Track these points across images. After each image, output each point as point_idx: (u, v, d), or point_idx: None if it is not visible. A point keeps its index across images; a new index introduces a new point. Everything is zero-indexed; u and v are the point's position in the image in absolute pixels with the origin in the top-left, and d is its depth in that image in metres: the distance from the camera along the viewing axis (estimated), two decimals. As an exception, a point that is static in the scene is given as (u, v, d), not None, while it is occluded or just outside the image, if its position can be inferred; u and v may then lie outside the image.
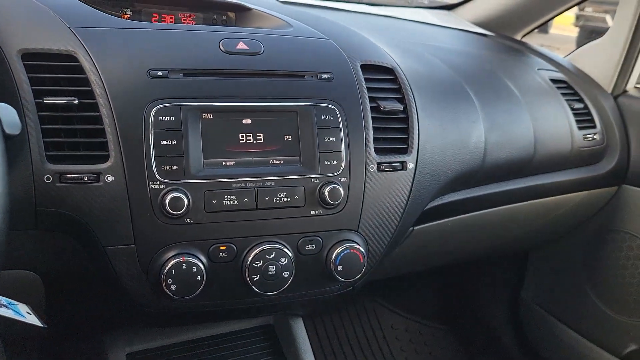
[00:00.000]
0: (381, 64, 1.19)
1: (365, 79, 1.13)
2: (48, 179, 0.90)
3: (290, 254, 1.03)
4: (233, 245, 1.00)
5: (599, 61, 1.82)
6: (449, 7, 2.11)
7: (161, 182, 0.94)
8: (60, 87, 0.94)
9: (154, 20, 1.23)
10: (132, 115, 0.94)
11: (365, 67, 1.16)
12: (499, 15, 1.95)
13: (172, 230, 0.96)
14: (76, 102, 0.93)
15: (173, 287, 0.96)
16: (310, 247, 1.05)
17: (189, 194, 0.95)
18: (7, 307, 0.89)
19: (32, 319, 0.91)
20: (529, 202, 1.54)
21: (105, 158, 0.93)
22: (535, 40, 2.03)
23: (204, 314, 1.11)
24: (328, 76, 1.09)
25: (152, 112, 0.95)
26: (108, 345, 1.33)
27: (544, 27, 2.03)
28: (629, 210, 1.72)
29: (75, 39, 0.97)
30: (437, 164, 1.22)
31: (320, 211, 1.04)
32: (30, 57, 0.94)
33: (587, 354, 1.87)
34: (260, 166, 1.01)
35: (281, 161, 1.02)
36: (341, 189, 1.04)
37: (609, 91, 1.79)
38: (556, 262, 1.96)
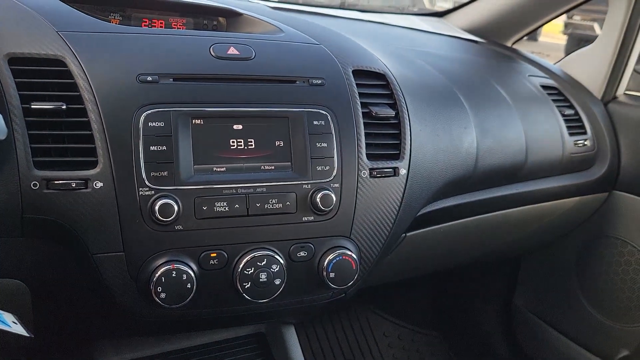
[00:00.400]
0: (373, 70, 1.18)
1: (357, 84, 1.13)
2: (35, 185, 0.89)
3: (281, 261, 1.02)
4: (224, 252, 0.99)
5: (589, 68, 1.83)
6: (440, 14, 2.13)
7: (151, 189, 0.93)
8: (48, 92, 0.93)
9: (144, 25, 1.21)
10: (121, 120, 0.93)
11: (357, 73, 1.15)
12: (489, 22, 1.96)
13: (162, 237, 0.95)
14: (64, 107, 0.91)
15: (163, 295, 0.94)
16: (302, 253, 1.04)
17: (179, 201, 0.94)
18: (-8, 317, 0.87)
19: (18, 329, 0.89)
20: (520, 208, 1.54)
21: (93, 164, 0.91)
22: (524, 48, 2.03)
23: (194, 322, 1.10)
24: (320, 81, 1.08)
25: (142, 118, 0.94)
26: (96, 355, 1.31)
27: (533, 35, 2.05)
28: (619, 216, 1.73)
29: (63, 44, 0.96)
30: (429, 170, 1.21)
31: (312, 217, 1.03)
32: (17, 62, 0.92)
33: (579, 360, 1.87)
34: (252, 172, 1.00)
35: (272, 167, 1.02)
36: (333, 195, 1.03)
37: (599, 97, 1.80)
38: (548, 268, 1.96)
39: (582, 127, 1.65)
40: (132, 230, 0.93)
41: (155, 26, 1.22)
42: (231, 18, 1.25)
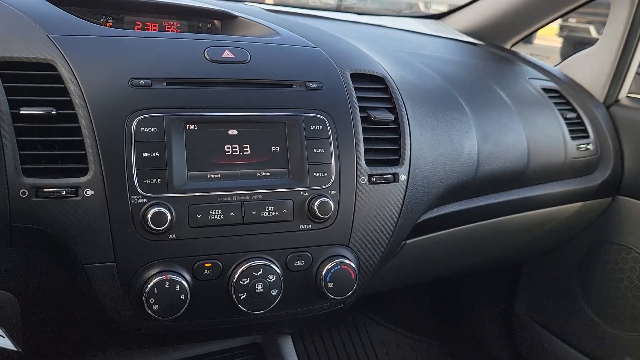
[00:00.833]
0: (371, 73, 1.16)
1: (355, 88, 1.10)
2: (24, 193, 0.86)
3: (278, 271, 0.99)
4: (219, 262, 0.97)
5: (590, 70, 1.81)
6: (437, 17, 2.11)
7: (143, 196, 0.91)
8: (38, 97, 0.90)
9: (137, 29, 1.19)
10: (113, 126, 0.91)
11: (355, 76, 1.13)
12: (488, 24, 1.94)
13: (155, 246, 0.93)
14: (54, 112, 0.89)
15: (155, 307, 0.92)
16: (299, 263, 1.02)
17: (172, 209, 0.92)
18: (-22, 330, 0.84)
19: (6, 343, 0.87)
20: (522, 214, 1.52)
21: (84, 171, 0.89)
22: (520, 50, 2.01)
23: (188, 334, 1.07)
24: (317, 85, 1.06)
25: (134, 123, 0.92)
26: (88, 367, 1.28)
27: (528, 38, 2.04)
28: (623, 222, 1.70)
29: (53, 47, 0.94)
30: (429, 176, 1.19)
31: (310, 225, 1.01)
32: (6, 66, 0.90)
33: (582, 369, 1.85)
34: (247, 179, 0.98)
35: (269, 174, 0.99)
36: (331, 202, 1.00)
37: (601, 100, 1.77)
38: (549, 274, 1.93)
39: (585, 130, 1.63)
40: (123, 240, 0.91)
41: (148, 29, 1.20)
42: (226, 21, 1.23)
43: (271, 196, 0.98)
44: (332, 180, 1.02)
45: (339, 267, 1.03)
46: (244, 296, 0.97)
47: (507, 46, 1.99)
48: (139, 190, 0.91)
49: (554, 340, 1.92)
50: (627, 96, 1.82)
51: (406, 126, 1.14)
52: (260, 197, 0.97)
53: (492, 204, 1.42)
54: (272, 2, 1.76)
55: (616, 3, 1.72)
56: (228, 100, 0.99)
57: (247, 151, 0.98)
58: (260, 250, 0.99)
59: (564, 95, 1.66)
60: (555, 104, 1.60)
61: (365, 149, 1.07)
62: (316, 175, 1.01)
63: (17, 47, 0.92)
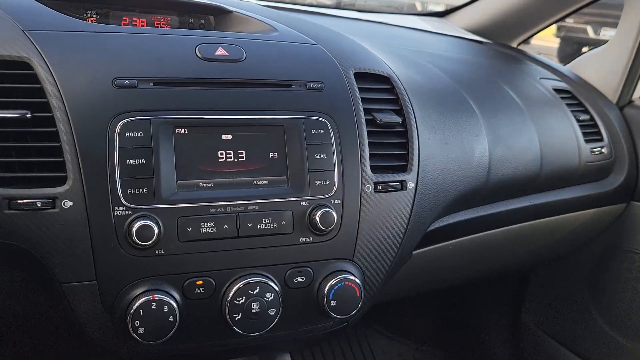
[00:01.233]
0: (377, 72, 1.09)
1: (359, 88, 1.04)
2: None
3: (276, 288, 0.93)
4: (211, 280, 0.90)
5: (603, 70, 1.74)
6: (440, 14, 2.07)
7: (127, 208, 0.84)
8: (11, 98, 0.84)
9: (124, 25, 1.12)
10: (94, 130, 0.84)
11: (359, 76, 1.06)
12: (493, 22, 1.88)
13: (140, 263, 0.86)
14: (29, 115, 0.83)
15: (141, 330, 0.85)
16: (299, 279, 0.95)
17: (159, 221, 0.85)
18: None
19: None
20: (534, 221, 1.45)
21: (62, 180, 0.83)
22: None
23: (178, 358, 0.99)
24: (318, 85, 1.00)
25: (118, 127, 0.85)
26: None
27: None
28: (638, 228, 1.63)
29: (29, 44, 0.87)
30: (439, 183, 1.12)
31: (311, 238, 0.95)
32: None
33: (593, 382, 1.78)
34: (242, 188, 0.91)
35: (266, 182, 0.93)
36: (334, 213, 0.94)
37: (614, 101, 1.71)
38: (559, 282, 1.87)
39: (599, 133, 1.56)
40: (106, 256, 0.85)
41: (136, 25, 1.13)
42: (220, 16, 1.15)
43: (269, 207, 0.92)
44: (335, 188, 0.96)
45: (342, 283, 0.96)
46: (239, 317, 0.91)
47: (514, 45, 1.93)
48: (123, 201, 0.84)
49: (563, 352, 1.85)
50: (642, 97, 1.75)
51: (414, 129, 1.08)
52: (257, 207, 0.91)
53: (503, 211, 1.35)
54: (268, -1, 1.68)
55: (630, 1, 1.64)
56: (221, 101, 0.93)
57: (242, 157, 0.92)
58: (256, 266, 0.93)
59: (576, 96, 1.59)
60: (568, 105, 1.53)
61: (370, 154, 1.01)
62: (317, 183, 0.95)
63: None
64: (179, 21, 1.15)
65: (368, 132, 1.01)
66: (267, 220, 0.91)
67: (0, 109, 0.82)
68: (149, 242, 0.84)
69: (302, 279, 0.95)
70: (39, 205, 0.81)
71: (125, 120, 0.85)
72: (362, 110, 1.02)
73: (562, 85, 1.61)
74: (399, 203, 1.03)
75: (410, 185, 1.05)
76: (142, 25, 1.12)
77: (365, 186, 0.99)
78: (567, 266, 1.82)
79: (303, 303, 0.97)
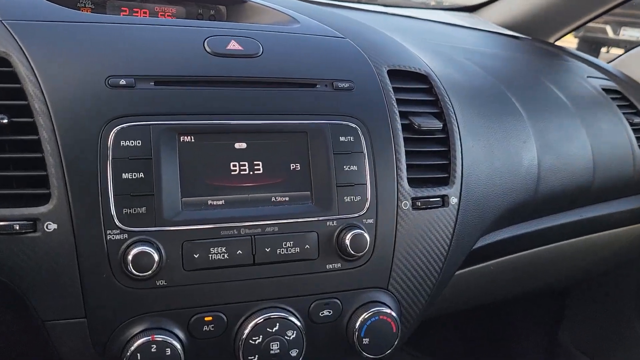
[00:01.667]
0: (413, 70, 0.99)
1: (393, 88, 0.95)
2: None
3: (299, 324, 0.84)
4: (222, 315, 0.81)
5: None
6: (471, 9, 1.99)
7: (122, 231, 0.76)
8: None
9: (123, 15, 1.03)
10: (84, 139, 0.76)
11: (394, 73, 0.97)
12: (529, 17, 1.80)
13: (138, 296, 0.77)
14: (5, 121, 0.74)
15: None
16: (325, 313, 0.86)
17: (161, 247, 0.76)
18: None
19: None
20: (584, 237, 1.34)
21: (45, 198, 0.74)
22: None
23: None
24: (347, 85, 0.90)
25: (112, 135, 0.76)
26: None
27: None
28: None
29: (8, 36, 0.79)
30: (484, 197, 1.01)
31: (339, 265, 0.86)
32: None
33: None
34: (259, 206, 0.82)
35: (286, 198, 0.84)
36: (366, 235, 0.84)
37: (667, 103, 1.56)
38: (602, 299, 1.76)
39: (654, 138, 1.42)
40: (97, 289, 0.76)
41: (137, 16, 1.04)
42: (233, 6, 1.07)
43: (290, 228, 0.83)
44: (367, 206, 0.86)
45: (376, 317, 0.87)
46: (255, 359, 0.81)
47: (551, 41, 1.81)
48: (117, 222, 0.75)
49: (606, 376, 1.74)
50: (696, 97, 1.61)
51: (456, 135, 0.97)
52: (276, 229, 0.82)
53: (551, 227, 1.24)
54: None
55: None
56: (234, 104, 0.83)
57: (258, 170, 0.83)
58: (275, 298, 0.84)
59: (627, 97, 1.48)
60: (619, 106, 1.42)
61: (407, 165, 0.90)
62: (347, 200, 0.85)
63: None
64: (185, 12, 1.07)
65: (405, 139, 0.92)
66: (288, 244, 0.82)
67: None
68: (149, 272, 0.75)
69: (329, 312, 0.86)
70: (17, 228, 0.72)
71: (120, 127, 0.77)
72: (398, 113, 0.92)
73: (611, 84, 1.50)
74: (440, 222, 0.93)
75: (453, 200, 0.94)
76: (144, 16, 1.03)
77: (402, 202, 0.89)
78: (610, 279, 1.72)
79: (330, 341, 0.88)
